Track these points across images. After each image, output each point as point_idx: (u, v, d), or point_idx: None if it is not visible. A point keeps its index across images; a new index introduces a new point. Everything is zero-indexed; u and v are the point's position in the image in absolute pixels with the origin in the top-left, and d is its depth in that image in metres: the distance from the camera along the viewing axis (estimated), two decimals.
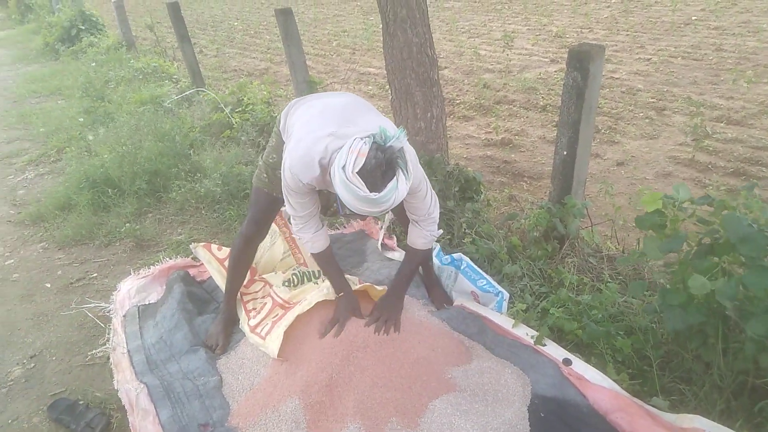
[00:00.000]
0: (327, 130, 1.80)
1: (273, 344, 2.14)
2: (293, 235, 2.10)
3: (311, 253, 2.16)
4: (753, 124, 4.95)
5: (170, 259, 3.00)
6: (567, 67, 2.40)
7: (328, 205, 2.26)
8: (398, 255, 2.81)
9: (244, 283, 2.54)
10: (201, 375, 2.19)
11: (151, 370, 2.26)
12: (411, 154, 1.86)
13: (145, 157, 3.90)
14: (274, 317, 2.30)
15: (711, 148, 4.56)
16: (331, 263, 2.20)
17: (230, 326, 2.45)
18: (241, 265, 2.45)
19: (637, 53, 7.42)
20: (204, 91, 5.34)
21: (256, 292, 2.59)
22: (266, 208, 2.30)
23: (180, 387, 2.12)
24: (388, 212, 2.16)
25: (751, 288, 1.59)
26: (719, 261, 1.74)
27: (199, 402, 2.05)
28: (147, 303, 2.70)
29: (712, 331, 1.80)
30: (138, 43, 8.86)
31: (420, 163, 3.05)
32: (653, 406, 1.81)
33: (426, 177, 2.04)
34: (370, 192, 1.58)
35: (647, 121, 5.26)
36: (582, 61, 2.33)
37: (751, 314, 1.67)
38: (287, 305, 2.36)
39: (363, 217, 1.78)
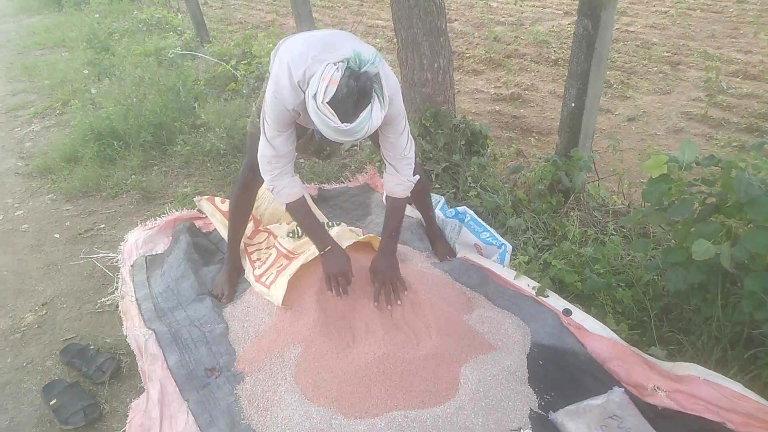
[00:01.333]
0: (309, 55, 1.73)
1: (277, 293, 2.17)
2: (267, 186, 2.04)
3: (286, 204, 2.06)
4: None
5: (176, 210, 3.02)
6: (578, 15, 2.33)
7: (320, 149, 2.20)
8: None
9: (248, 234, 2.54)
10: (207, 322, 2.24)
11: (159, 317, 2.31)
12: (391, 81, 1.81)
13: (149, 110, 3.88)
14: (279, 267, 2.32)
15: (725, 104, 4.45)
16: (309, 214, 2.12)
17: (235, 276, 2.48)
18: (240, 212, 2.44)
19: (654, 5, 7.18)
20: (203, 57, 5.24)
21: (260, 242, 2.60)
22: None
23: (187, 333, 2.16)
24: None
25: (752, 248, 1.58)
26: (723, 223, 1.72)
27: (205, 348, 2.10)
28: (154, 253, 2.73)
29: (712, 288, 1.80)
30: None
31: (426, 115, 3.04)
32: (651, 355, 1.83)
33: (405, 115, 1.98)
34: (342, 122, 1.55)
35: (661, 75, 5.13)
36: (593, 9, 2.26)
37: (750, 271, 1.67)
38: (291, 255, 2.37)
39: (339, 144, 1.70)
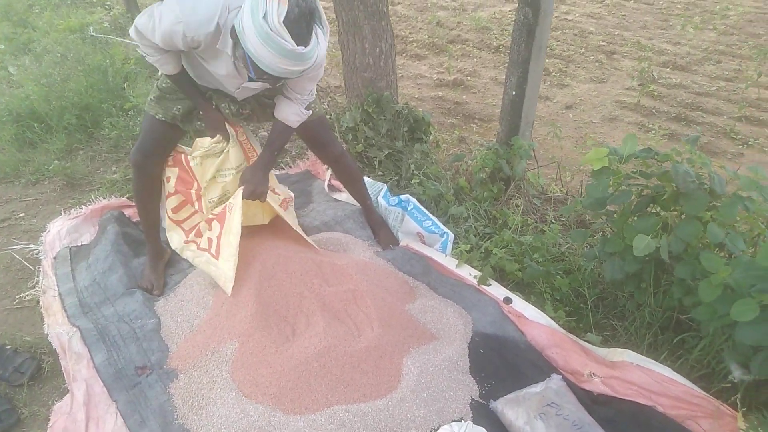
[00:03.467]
0: None
1: (226, 265, 2.07)
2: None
3: (169, 76, 1.93)
4: (696, 70, 5.05)
5: (104, 198, 2.83)
6: (518, 3, 2.33)
7: (238, 112, 2.09)
8: (345, 196, 2.75)
9: (173, 206, 2.29)
10: (138, 318, 2.12)
11: (84, 313, 2.17)
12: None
13: (74, 91, 3.62)
14: (212, 233, 2.17)
15: (656, 93, 4.63)
16: (186, 82, 1.96)
17: (159, 263, 2.35)
18: (142, 197, 2.27)
19: None
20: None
21: (190, 216, 2.35)
22: (152, 136, 2.12)
23: (116, 330, 2.04)
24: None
25: (684, 238, 1.63)
26: (659, 216, 1.77)
27: (136, 345, 1.99)
28: (79, 244, 2.56)
29: (645, 276, 1.86)
30: None
31: (368, 101, 2.99)
32: (587, 341, 1.88)
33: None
34: (297, 45, 1.47)
35: (597, 64, 5.27)
36: None
37: (679, 259, 1.72)
38: (217, 217, 2.18)
39: (274, 81, 1.61)
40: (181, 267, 2.40)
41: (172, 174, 2.26)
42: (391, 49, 3.00)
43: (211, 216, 2.20)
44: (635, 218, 1.83)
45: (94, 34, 4.81)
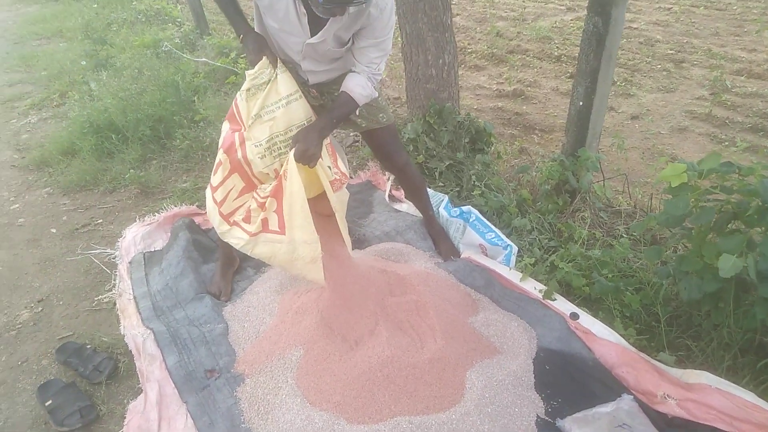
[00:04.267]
0: None
1: (301, 235, 1.88)
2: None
3: None
4: None
5: (175, 206, 2.97)
6: (588, 12, 2.28)
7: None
8: (406, 206, 2.77)
9: (222, 197, 2.06)
10: (207, 322, 2.20)
11: (157, 316, 2.27)
12: None
13: (148, 103, 3.82)
14: (267, 212, 1.96)
15: (729, 103, 4.42)
16: (230, 4, 1.96)
17: (229, 270, 2.43)
18: None
19: (657, 2, 7.13)
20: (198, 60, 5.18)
21: (242, 205, 2.10)
22: None
23: (186, 333, 2.12)
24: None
25: None
26: (742, 233, 1.68)
27: (205, 348, 2.06)
28: (152, 250, 2.68)
29: (724, 295, 1.77)
30: None
31: (430, 112, 3.00)
32: (660, 361, 1.80)
33: (391, 39, 1.97)
34: None
35: (665, 73, 5.09)
36: (604, 6, 2.21)
37: (764, 278, 1.63)
38: (271, 194, 1.95)
39: (342, 10, 1.69)
40: (248, 274, 2.48)
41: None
42: (454, 60, 3.00)
43: (260, 198, 1.98)
44: (715, 235, 1.74)
45: (167, 47, 5.05)
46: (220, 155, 2.04)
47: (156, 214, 2.90)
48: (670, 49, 5.58)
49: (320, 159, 1.93)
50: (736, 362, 1.77)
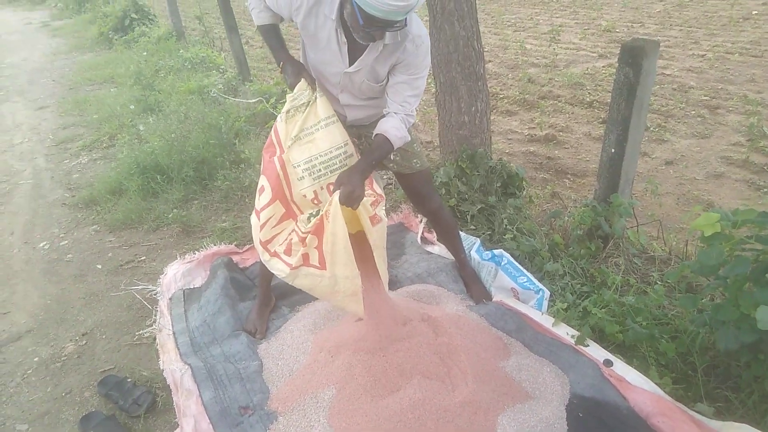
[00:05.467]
0: None
1: (343, 271, 1.90)
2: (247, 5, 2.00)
3: (257, 26, 2.13)
4: None
5: (215, 245, 3.07)
6: (619, 63, 2.34)
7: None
8: (438, 249, 2.81)
9: (263, 221, 2.09)
10: (242, 359, 2.25)
11: (194, 352, 2.34)
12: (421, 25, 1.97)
13: (192, 146, 4.00)
14: (307, 248, 1.97)
15: (767, 149, 4.36)
16: (273, 36, 2.13)
17: (265, 310, 2.50)
18: None
19: (690, 49, 7.15)
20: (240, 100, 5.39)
21: (279, 233, 2.11)
22: None
23: (222, 369, 2.18)
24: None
25: None
26: None
27: (240, 385, 2.11)
28: (192, 287, 2.78)
29: (764, 346, 1.74)
30: (187, 34, 9.06)
31: (462, 157, 3.07)
32: (697, 411, 1.76)
33: (426, 77, 2.05)
34: None
35: (699, 119, 5.07)
36: (635, 57, 2.27)
37: None
38: (312, 231, 1.95)
39: (381, 34, 1.81)
40: (282, 312, 2.54)
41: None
42: (487, 107, 3.09)
43: (302, 233, 2.00)
44: (752, 285, 1.73)
45: (215, 94, 5.30)
46: (263, 181, 2.09)
47: (196, 252, 3.02)
48: (705, 95, 5.57)
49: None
50: None
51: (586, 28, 8.82)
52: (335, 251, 1.87)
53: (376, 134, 2.01)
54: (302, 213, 2.08)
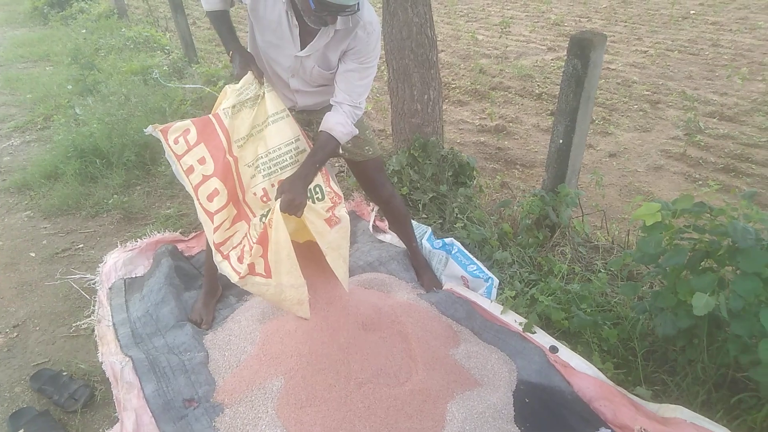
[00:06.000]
0: None
1: (288, 279, 1.90)
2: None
3: (206, 12, 2.04)
4: (745, 120, 4.97)
5: (158, 232, 2.96)
6: (567, 55, 2.37)
7: None
8: (390, 237, 2.80)
9: (217, 224, 2.02)
10: (187, 350, 2.18)
11: (136, 343, 2.25)
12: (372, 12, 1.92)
13: (134, 129, 3.83)
14: (253, 257, 1.94)
15: (703, 143, 4.57)
16: (223, 23, 2.05)
17: (211, 299, 2.42)
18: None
19: (634, 45, 7.39)
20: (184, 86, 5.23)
21: (232, 235, 2.08)
22: None
23: (165, 361, 2.10)
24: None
25: (742, 294, 1.60)
26: (714, 271, 1.74)
27: (184, 377, 2.04)
28: (133, 276, 2.67)
29: (698, 331, 1.82)
30: (130, 12, 8.67)
31: (415, 145, 3.06)
32: (636, 395, 1.83)
33: (376, 68, 2.01)
34: None
35: (641, 113, 5.26)
36: (583, 49, 2.31)
37: (736, 315, 1.68)
38: (257, 241, 1.94)
39: (333, 19, 1.76)
40: (230, 302, 2.47)
41: (195, 154, 2.01)
42: (439, 96, 3.09)
43: (253, 242, 1.95)
44: (688, 273, 1.80)
45: (157, 78, 5.09)
46: (216, 183, 2.00)
47: (138, 240, 2.90)
48: (647, 90, 5.78)
49: (308, 204, 1.93)
50: (710, 397, 1.81)
51: (535, 21, 8.97)
52: (279, 260, 1.87)
53: (321, 131, 1.96)
54: (254, 215, 2.04)
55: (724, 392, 1.79)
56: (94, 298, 2.55)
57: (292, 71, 2.00)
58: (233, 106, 1.99)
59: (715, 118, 5.06)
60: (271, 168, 2.01)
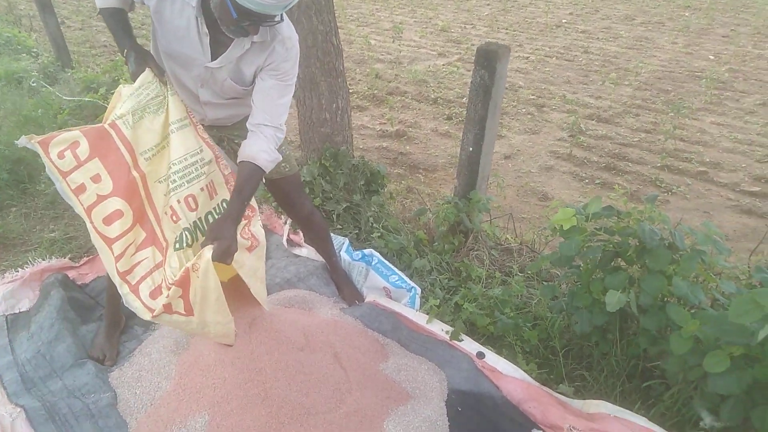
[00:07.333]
0: None
1: (214, 317, 1.73)
2: None
3: (100, 8, 1.81)
4: (619, 122, 5.45)
5: (43, 260, 2.63)
6: (475, 65, 2.44)
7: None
8: (306, 251, 2.72)
9: (119, 251, 1.76)
10: (90, 392, 1.96)
11: (27, 389, 1.98)
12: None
13: (4, 143, 3.39)
14: (170, 298, 1.71)
15: (585, 144, 4.95)
16: (118, 21, 1.82)
17: (114, 331, 2.21)
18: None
19: (516, 51, 7.84)
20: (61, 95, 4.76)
21: (141, 261, 1.80)
22: None
23: (66, 407, 1.88)
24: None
25: (650, 291, 1.73)
26: (625, 270, 1.87)
27: (90, 423, 1.84)
28: (17, 312, 2.36)
29: (611, 327, 1.94)
30: None
31: (326, 155, 3.00)
32: (560, 393, 1.92)
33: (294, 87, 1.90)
34: None
35: (529, 116, 5.59)
36: (490, 60, 2.39)
37: (645, 311, 1.82)
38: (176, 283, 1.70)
39: (255, 30, 1.64)
40: (135, 333, 2.27)
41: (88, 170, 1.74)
42: (347, 105, 3.05)
43: (168, 284, 1.74)
44: (600, 273, 1.92)
45: (36, 83, 4.56)
46: (118, 204, 1.76)
47: (19, 269, 2.56)
48: (532, 95, 6.15)
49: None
50: (625, 388, 1.94)
51: (424, 26, 9.24)
52: (206, 303, 1.69)
53: (243, 161, 1.78)
54: (166, 241, 1.80)
55: (637, 382, 1.93)
56: None
57: (202, 81, 1.85)
58: (132, 113, 1.76)
59: (593, 120, 5.50)
60: (176, 181, 1.80)
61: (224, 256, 1.67)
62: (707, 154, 4.75)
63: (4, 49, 5.74)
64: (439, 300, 2.29)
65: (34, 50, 5.78)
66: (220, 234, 1.68)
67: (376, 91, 6.09)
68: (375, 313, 2.31)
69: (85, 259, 2.70)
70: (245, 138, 1.83)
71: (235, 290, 1.97)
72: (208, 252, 1.63)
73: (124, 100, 1.78)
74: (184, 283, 1.67)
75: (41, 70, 5.09)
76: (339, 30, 2.97)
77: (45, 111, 3.94)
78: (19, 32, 6.25)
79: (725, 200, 4.05)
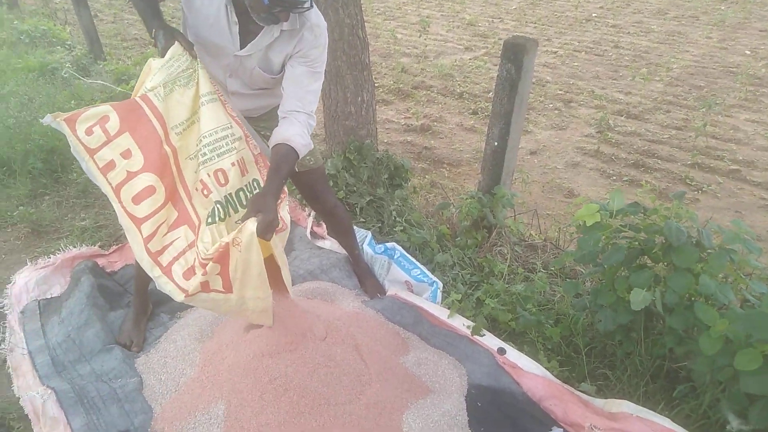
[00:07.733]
0: None
1: (254, 293, 1.67)
2: None
3: None
4: (648, 118, 5.34)
5: (74, 247, 2.71)
6: (501, 59, 2.42)
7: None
8: (329, 243, 2.73)
9: (150, 232, 1.74)
10: (118, 377, 2.01)
11: (58, 372, 2.04)
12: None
13: (39, 133, 3.49)
14: (209, 275, 1.66)
15: (613, 140, 4.86)
16: (147, 3, 1.81)
17: (142, 318, 2.25)
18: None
19: (544, 46, 7.73)
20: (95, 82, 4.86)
21: (173, 242, 1.77)
22: None
23: (94, 391, 1.93)
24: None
25: (677, 290, 1.70)
26: (650, 268, 1.84)
27: (117, 407, 1.88)
28: (49, 297, 2.43)
29: (635, 326, 1.91)
30: (21, 2, 7.94)
31: (350, 148, 3.02)
32: (582, 391, 1.90)
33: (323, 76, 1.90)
34: None
35: (556, 112, 5.51)
36: (516, 54, 2.36)
37: (671, 310, 1.79)
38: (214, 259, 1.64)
39: (286, 16, 1.65)
40: (162, 320, 2.31)
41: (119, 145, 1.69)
42: (372, 98, 3.06)
43: (203, 259, 1.66)
44: (625, 270, 1.89)
45: (68, 74, 4.67)
46: (151, 179, 1.71)
47: (51, 256, 2.63)
48: (559, 90, 6.06)
49: None
50: (649, 388, 1.91)
51: (451, 20, 9.17)
52: (247, 277, 1.64)
53: (279, 144, 1.76)
54: (200, 220, 1.76)
55: (662, 383, 1.90)
56: (4, 324, 2.29)
57: (231, 71, 1.87)
58: (164, 85, 1.71)
59: (622, 116, 5.40)
60: (206, 154, 1.74)
61: (268, 229, 1.62)
62: (740, 152, 4.62)
63: (39, 42, 5.88)
64: (460, 295, 2.28)
65: (68, 43, 5.91)
66: (263, 207, 1.62)
67: (401, 85, 6.07)
68: (396, 306, 2.31)
69: (115, 247, 2.76)
70: (272, 129, 1.84)
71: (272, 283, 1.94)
72: (252, 224, 1.56)
73: (155, 73, 1.74)
74: (223, 258, 1.61)
75: (75, 62, 5.21)
76: (365, 23, 2.97)
77: (78, 102, 4.03)
78: (54, 25, 6.39)
79: (758, 200, 3.95)
